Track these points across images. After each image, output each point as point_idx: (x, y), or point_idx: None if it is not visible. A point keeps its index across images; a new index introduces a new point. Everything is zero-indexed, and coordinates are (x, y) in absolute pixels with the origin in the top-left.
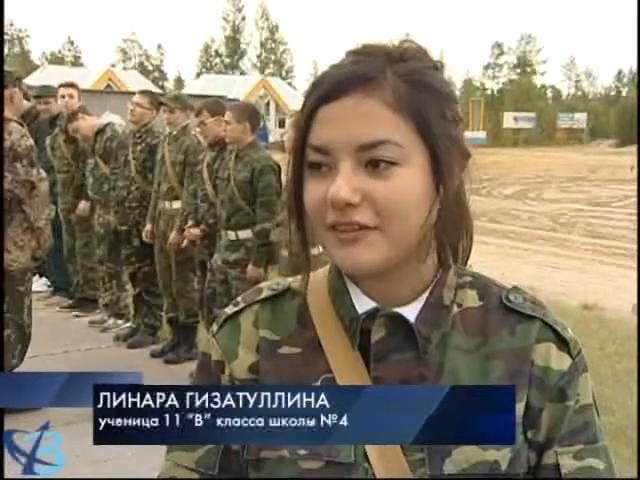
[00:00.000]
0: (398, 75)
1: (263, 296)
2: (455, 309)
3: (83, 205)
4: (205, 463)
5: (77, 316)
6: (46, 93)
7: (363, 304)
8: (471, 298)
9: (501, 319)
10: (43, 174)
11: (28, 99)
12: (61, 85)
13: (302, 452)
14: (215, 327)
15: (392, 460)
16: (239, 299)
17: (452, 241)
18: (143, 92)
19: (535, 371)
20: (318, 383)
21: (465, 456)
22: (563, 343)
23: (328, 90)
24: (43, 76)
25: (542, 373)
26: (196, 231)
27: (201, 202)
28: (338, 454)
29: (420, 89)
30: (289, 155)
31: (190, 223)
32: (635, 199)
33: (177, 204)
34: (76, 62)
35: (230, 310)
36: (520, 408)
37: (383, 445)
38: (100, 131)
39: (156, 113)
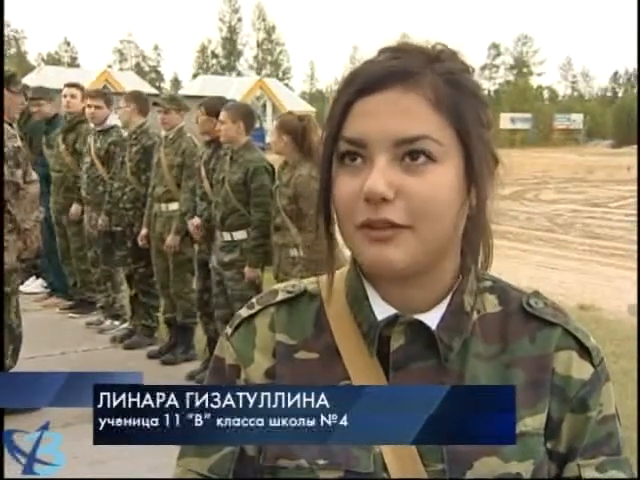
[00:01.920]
0: (438, 74)
1: (279, 299)
2: (475, 315)
3: (75, 208)
4: (219, 469)
5: (72, 317)
6: (38, 95)
7: (382, 310)
8: (491, 303)
9: (521, 325)
10: (34, 176)
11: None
12: (66, 85)
13: (321, 462)
14: (229, 330)
15: (412, 471)
16: (254, 301)
17: (474, 246)
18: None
19: (556, 380)
20: None
21: (487, 468)
22: (585, 351)
23: (367, 83)
24: (40, 77)
25: (563, 382)
26: (197, 221)
27: (200, 200)
28: (357, 464)
29: (458, 90)
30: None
31: (193, 219)
32: (632, 200)
33: (173, 206)
34: (73, 63)
35: (245, 313)
36: (542, 418)
37: (398, 449)
38: (103, 132)
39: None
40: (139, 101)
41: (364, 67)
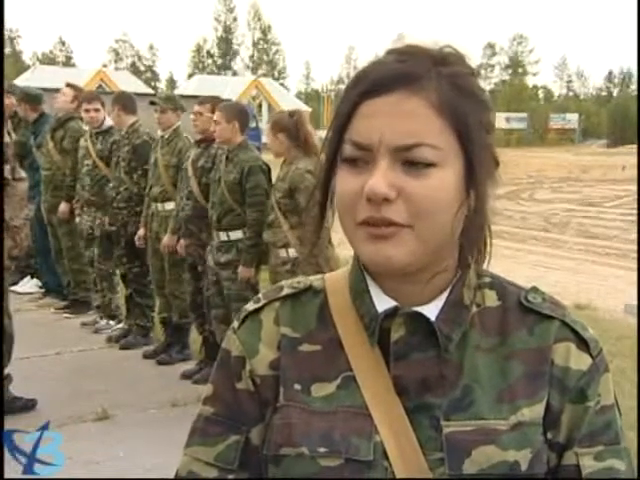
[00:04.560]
0: (442, 77)
1: (284, 293)
2: (474, 309)
3: (63, 207)
4: (225, 458)
5: (68, 317)
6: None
7: (383, 303)
8: (490, 298)
9: (520, 319)
10: (22, 174)
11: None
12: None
13: (321, 449)
14: (236, 323)
15: (411, 459)
16: (260, 296)
17: (471, 245)
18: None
19: (555, 371)
20: (338, 381)
21: (485, 456)
22: (583, 343)
23: (372, 85)
24: (34, 76)
25: (562, 373)
26: (176, 241)
27: (186, 200)
28: (357, 452)
29: (462, 94)
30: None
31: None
32: (627, 199)
33: (170, 205)
34: (68, 62)
35: (251, 307)
36: (540, 409)
37: (398, 438)
38: (102, 133)
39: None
40: (123, 100)
41: (371, 68)
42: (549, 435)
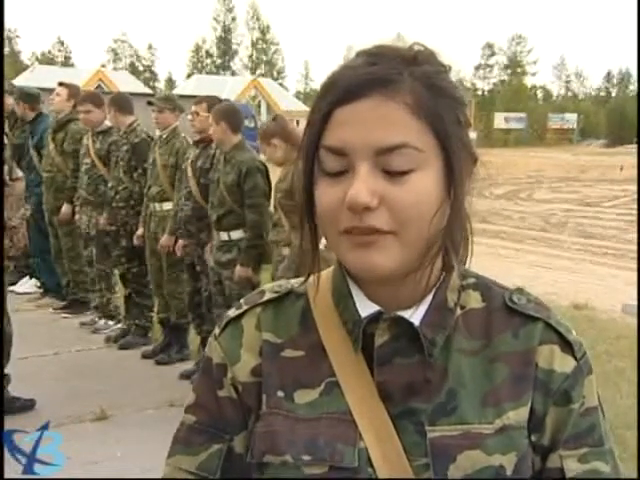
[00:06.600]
0: (416, 78)
1: (265, 299)
2: (458, 311)
3: (65, 208)
4: (207, 467)
5: (66, 317)
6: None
7: (366, 307)
8: (474, 299)
9: (504, 321)
10: (19, 173)
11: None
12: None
13: (305, 457)
14: (217, 330)
15: (396, 465)
16: (242, 302)
17: (456, 244)
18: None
19: (539, 374)
20: (322, 387)
21: (470, 461)
22: (567, 345)
23: (345, 91)
24: (33, 76)
25: (546, 376)
26: (173, 242)
27: (185, 200)
28: (342, 459)
29: (436, 93)
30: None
31: (180, 242)
32: (625, 199)
33: (167, 205)
34: (66, 62)
35: (233, 313)
36: (525, 412)
37: (382, 444)
38: (102, 132)
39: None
40: (119, 102)
41: (342, 73)
42: (533, 438)
